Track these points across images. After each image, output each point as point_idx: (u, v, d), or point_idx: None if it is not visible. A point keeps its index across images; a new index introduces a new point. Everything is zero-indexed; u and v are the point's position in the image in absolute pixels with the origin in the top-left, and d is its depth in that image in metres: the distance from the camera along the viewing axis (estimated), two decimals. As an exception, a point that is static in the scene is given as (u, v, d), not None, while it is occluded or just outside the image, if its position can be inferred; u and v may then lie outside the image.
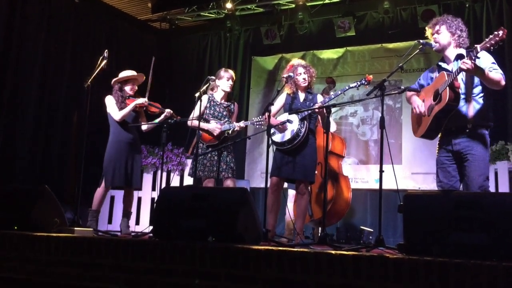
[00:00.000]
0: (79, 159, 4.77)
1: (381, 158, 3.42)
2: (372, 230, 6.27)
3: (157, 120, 5.18)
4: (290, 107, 4.73)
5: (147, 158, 7.21)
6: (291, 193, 5.65)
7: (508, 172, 5.75)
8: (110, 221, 7.09)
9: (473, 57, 3.24)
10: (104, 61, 4.68)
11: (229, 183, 4.83)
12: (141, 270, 2.82)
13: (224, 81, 4.97)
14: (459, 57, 3.54)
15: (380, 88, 3.49)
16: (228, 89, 5.00)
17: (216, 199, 3.01)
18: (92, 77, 4.66)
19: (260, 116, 4.80)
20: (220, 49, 8.63)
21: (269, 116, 4.30)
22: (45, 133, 6.87)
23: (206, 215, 2.95)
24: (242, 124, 4.86)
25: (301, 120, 4.56)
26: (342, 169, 6.30)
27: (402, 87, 3.82)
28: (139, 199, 7.20)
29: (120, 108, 5.15)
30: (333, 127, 6.00)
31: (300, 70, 4.70)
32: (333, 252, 2.44)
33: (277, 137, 4.62)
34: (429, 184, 6.64)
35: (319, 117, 4.72)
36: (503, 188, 5.70)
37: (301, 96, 4.75)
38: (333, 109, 4.04)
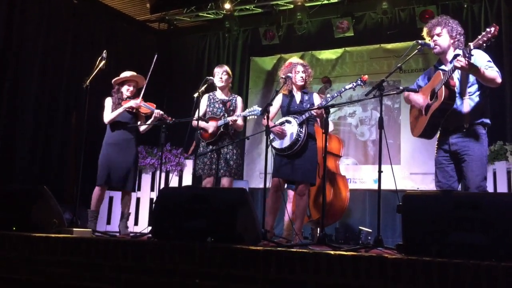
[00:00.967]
0: (78, 160, 4.77)
1: (379, 159, 3.43)
2: (371, 230, 6.28)
3: (149, 122, 5.19)
4: (288, 109, 4.73)
5: (146, 158, 7.21)
6: (291, 194, 5.66)
7: (506, 172, 5.76)
8: (108, 222, 7.09)
9: (467, 55, 3.25)
10: (103, 62, 4.68)
11: (224, 182, 4.83)
12: (140, 270, 2.82)
13: (217, 77, 4.98)
14: (456, 57, 3.55)
15: (378, 89, 3.50)
16: (220, 84, 4.97)
17: (215, 200, 3.01)
18: (91, 77, 4.66)
19: (255, 107, 4.78)
20: (219, 49, 8.63)
21: (267, 117, 4.30)
22: (44, 134, 6.87)
23: (205, 215, 2.95)
24: (234, 117, 4.80)
25: (300, 124, 4.55)
26: (339, 169, 6.30)
27: (401, 88, 3.83)
28: (138, 199, 7.19)
29: (115, 110, 5.16)
30: (330, 127, 6.01)
31: (299, 68, 4.71)
32: (332, 252, 2.44)
33: (277, 144, 4.62)
34: (428, 184, 6.65)
35: (317, 119, 4.72)
36: (502, 188, 5.71)
37: (297, 97, 4.74)
38: (331, 110, 4.05)
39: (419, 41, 3.66)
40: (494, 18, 6.63)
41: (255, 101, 8.02)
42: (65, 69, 7.18)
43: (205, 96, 5.01)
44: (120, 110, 5.11)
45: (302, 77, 4.69)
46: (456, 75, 3.55)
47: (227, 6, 7.89)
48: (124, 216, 5.26)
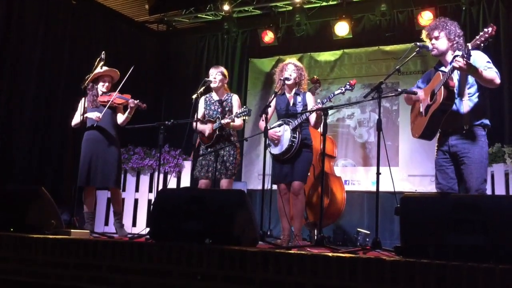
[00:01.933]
0: (76, 160, 4.76)
1: (378, 160, 3.43)
2: (369, 232, 6.28)
3: (126, 113, 5.13)
4: (281, 112, 4.76)
5: (144, 160, 7.20)
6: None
7: (504, 175, 5.76)
8: (106, 223, 7.07)
9: (465, 56, 3.26)
10: (102, 63, 4.68)
11: (222, 183, 4.84)
12: (138, 271, 2.81)
13: (211, 78, 4.97)
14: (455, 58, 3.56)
15: (377, 91, 3.50)
16: (214, 85, 4.95)
17: (213, 201, 3.01)
18: (89, 78, 4.66)
19: (244, 107, 4.77)
20: (218, 51, 8.63)
21: (266, 118, 4.31)
22: (42, 134, 6.85)
23: (203, 217, 2.95)
24: (227, 120, 4.77)
25: (293, 129, 4.57)
26: (333, 170, 6.31)
27: (399, 90, 3.83)
28: (136, 200, 7.19)
29: (93, 106, 5.09)
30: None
31: (290, 67, 4.72)
32: (330, 254, 2.44)
33: (273, 150, 4.68)
34: (426, 186, 6.66)
35: (310, 120, 4.71)
36: (500, 190, 5.71)
37: (290, 98, 4.75)
38: (330, 111, 4.06)
39: (418, 43, 3.66)
40: (492, 20, 6.63)
41: (253, 103, 8.03)
42: (64, 69, 7.17)
43: (202, 99, 5.02)
44: (87, 114, 5.01)
45: (290, 75, 4.68)
46: (456, 76, 3.56)
47: (226, 7, 7.89)
48: (117, 215, 5.22)
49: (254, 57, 8.39)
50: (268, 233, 5.61)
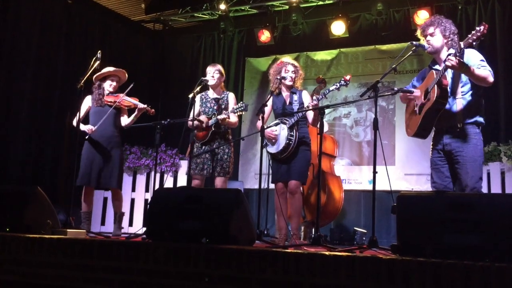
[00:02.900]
0: (72, 160, 4.75)
1: (374, 159, 3.44)
2: (365, 231, 6.29)
3: (132, 116, 5.12)
4: (277, 110, 4.76)
5: (141, 159, 7.19)
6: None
7: (500, 173, 5.79)
8: (103, 223, 7.07)
9: (457, 54, 3.27)
10: (97, 62, 4.66)
11: (217, 182, 4.84)
12: (134, 271, 2.81)
13: (208, 76, 4.98)
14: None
15: (373, 90, 3.50)
16: (212, 82, 4.96)
17: (210, 201, 3.00)
18: (85, 78, 4.65)
19: (241, 103, 4.79)
20: (214, 50, 8.63)
21: (262, 118, 4.32)
22: (38, 134, 6.84)
23: (200, 216, 2.95)
24: (223, 115, 4.78)
25: (290, 128, 4.56)
26: (334, 169, 6.31)
27: (395, 89, 3.84)
28: (132, 200, 7.18)
29: (98, 104, 5.08)
30: (325, 128, 6.02)
31: (290, 67, 4.73)
32: (327, 253, 2.44)
33: (270, 149, 4.68)
34: (422, 185, 6.67)
35: (308, 118, 4.71)
36: (496, 189, 5.73)
37: (287, 97, 4.76)
38: (326, 110, 4.06)
39: (414, 42, 3.67)
40: (488, 19, 6.66)
41: (250, 102, 8.02)
42: (59, 69, 7.15)
43: (198, 96, 5.02)
44: (81, 127, 4.98)
45: (291, 77, 4.70)
46: (449, 74, 3.57)
47: (222, 6, 7.88)
48: (116, 218, 5.20)
49: (251, 57, 8.39)
50: (265, 232, 5.62)
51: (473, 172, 3.43)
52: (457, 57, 3.26)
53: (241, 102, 4.80)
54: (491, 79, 3.41)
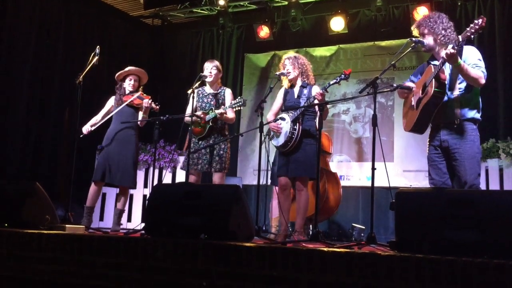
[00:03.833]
0: (71, 156, 4.75)
1: (373, 156, 3.44)
2: (363, 227, 6.30)
3: (141, 113, 5.19)
4: (286, 104, 4.75)
5: (139, 155, 7.18)
6: (275, 190, 5.66)
7: (499, 170, 5.79)
8: (101, 218, 7.07)
9: (455, 47, 3.27)
10: (96, 58, 4.67)
11: (215, 178, 4.85)
12: (133, 267, 2.81)
13: (206, 72, 4.98)
14: None
15: (372, 86, 3.50)
16: (209, 79, 4.97)
17: (209, 196, 3.00)
18: (84, 73, 4.65)
19: (239, 98, 4.79)
20: (213, 46, 8.61)
21: (261, 114, 4.31)
22: (37, 130, 6.83)
23: (199, 212, 2.95)
24: (221, 110, 4.79)
25: (293, 121, 4.53)
26: (329, 166, 6.32)
27: (395, 85, 3.83)
28: (131, 196, 7.17)
29: (118, 104, 5.19)
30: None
31: (286, 62, 4.73)
32: (325, 249, 2.44)
33: (274, 142, 4.67)
34: (421, 181, 6.67)
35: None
36: (494, 186, 5.74)
37: (295, 91, 4.74)
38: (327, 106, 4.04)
39: (413, 39, 3.66)
40: (487, 15, 6.64)
41: (249, 98, 8.01)
42: (58, 65, 7.13)
43: (195, 92, 5.01)
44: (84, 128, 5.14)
45: (288, 70, 4.69)
46: (447, 70, 3.57)
47: (221, 2, 7.86)
48: (116, 214, 5.22)
49: (250, 52, 8.38)
50: (264, 228, 5.62)
51: (471, 169, 3.43)
52: (454, 49, 3.27)
53: (239, 97, 4.80)
54: (482, 81, 3.41)
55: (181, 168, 5.02)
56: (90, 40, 7.38)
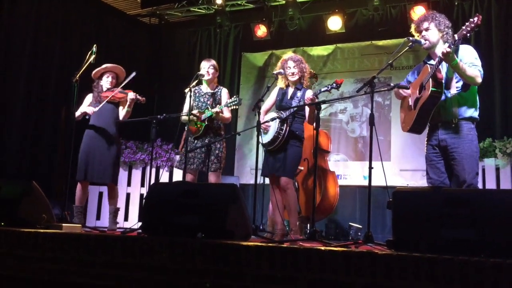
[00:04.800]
0: (67, 155, 4.74)
1: (370, 155, 3.44)
2: (361, 226, 6.30)
3: (126, 107, 5.15)
4: (279, 104, 4.75)
5: (136, 154, 7.18)
6: None
7: (495, 169, 5.80)
8: (98, 217, 7.05)
9: (451, 45, 3.28)
10: (93, 56, 4.66)
11: (211, 177, 4.85)
12: (130, 266, 2.81)
13: (203, 71, 4.98)
14: None
15: (369, 85, 3.50)
16: (206, 77, 4.97)
17: (206, 195, 3.00)
18: (80, 72, 4.64)
19: (235, 97, 4.80)
20: (210, 45, 8.60)
21: (259, 113, 4.31)
22: (34, 128, 6.81)
23: (196, 211, 2.94)
24: (217, 109, 4.80)
25: (282, 121, 4.55)
26: (328, 164, 6.32)
27: (392, 84, 3.83)
28: (128, 195, 7.17)
29: (96, 101, 5.13)
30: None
31: (290, 63, 4.73)
32: (322, 248, 2.45)
33: (261, 139, 4.67)
34: (418, 181, 6.69)
35: (306, 114, 4.70)
36: (490, 185, 5.75)
37: (289, 92, 4.75)
38: (323, 106, 4.05)
39: (410, 38, 3.66)
40: (484, 15, 6.66)
41: (246, 97, 8.02)
42: (55, 63, 7.12)
43: (192, 90, 5.02)
44: (83, 110, 5.09)
45: (293, 72, 4.70)
46: (444, 69, 3.57)
47: (219, 1, 7.85)
48: (111, 213, 5.22)
49: (247, 51, 8.37)
50: (261, 227, 5.62)
51: (470, 168, 3.44)
52: (450, 47, 3.28)
53: (235, 97, 4.80)
54: (479, 80, 3.42)
55: (176, 167, 5.02)
56: (87, 39, 7.35)
